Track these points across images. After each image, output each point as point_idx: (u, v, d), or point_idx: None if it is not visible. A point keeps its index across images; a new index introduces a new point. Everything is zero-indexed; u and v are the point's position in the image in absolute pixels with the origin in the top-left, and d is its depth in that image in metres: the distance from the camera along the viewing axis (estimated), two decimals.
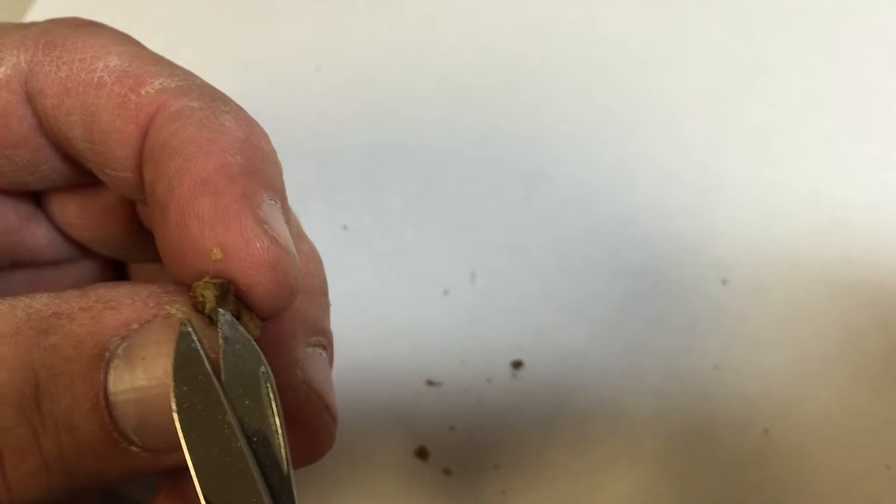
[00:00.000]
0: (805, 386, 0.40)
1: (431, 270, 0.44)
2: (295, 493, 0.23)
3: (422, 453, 0.41)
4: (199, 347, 0.22)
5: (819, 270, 0.43)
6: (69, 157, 0.28)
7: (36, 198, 0.31)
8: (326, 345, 0.28)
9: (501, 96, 0.49)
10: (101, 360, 0.22)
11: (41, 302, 0.22)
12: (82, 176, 0.29)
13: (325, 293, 0.29)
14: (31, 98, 0.26)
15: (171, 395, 0.22)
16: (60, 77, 0.25)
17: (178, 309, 0.23)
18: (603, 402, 0.41)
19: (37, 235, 0.31)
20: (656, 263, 0.43)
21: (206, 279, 0.23)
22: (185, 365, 0.22)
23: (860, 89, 0.48)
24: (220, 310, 0.23)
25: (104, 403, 0.22)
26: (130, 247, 0.32)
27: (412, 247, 0.45)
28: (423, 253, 0.45)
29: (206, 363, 0.22)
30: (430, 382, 0.42)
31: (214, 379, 0.22)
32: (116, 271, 0.35)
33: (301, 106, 0.49)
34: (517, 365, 0.42)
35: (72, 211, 0.31)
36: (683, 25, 0.51)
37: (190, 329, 0.22)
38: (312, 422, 0.26)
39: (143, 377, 0.22)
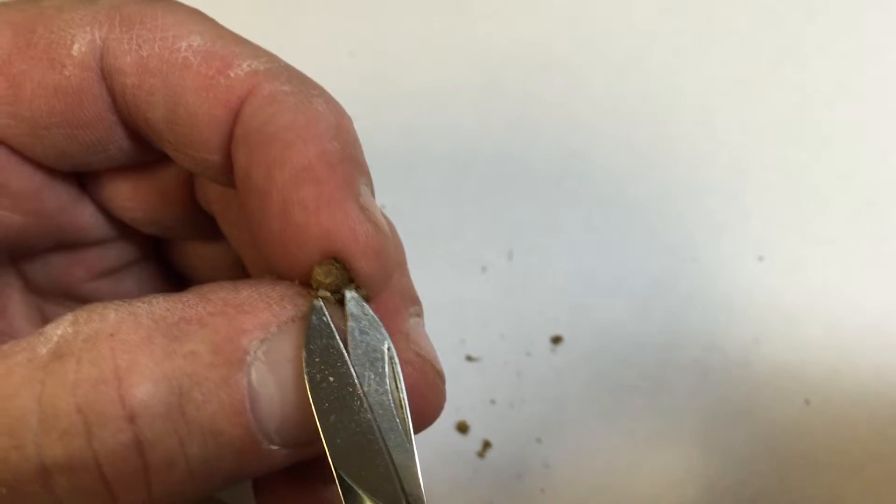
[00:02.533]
0: (844, 357, 0.40)
1: (468, 248, 0.45)
2: (418, 467, 0.23)
3: (462, 427, 0.41)
4: (330, 322, 0.23)
5: (854, 247, 0.43)
6: (138, 137, 0.27)
7: (80, 180, 0.31)
8: (420, 312, 0.28)
9: (535, 80, 0.49)
10: (243, 364, 0.22)
11: (162, 307, 0.22)
12: (148, 155, 0.28)
13: (406, 262, 0.30)
14: (107, 76, 0.25)
15: (303, 365, 0.22)
16: (141, 56, 0.25)
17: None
18: (643, 375, 0.41)
19: (84, 215, 0.31)
20: (692, 240, 0.44)
21: (323, 264, 0.23)
22: (317, 337, 0.23)
23: (887, 72, 0.49)
24: (347, 290, 0.23)
25: (249, 407, 0.22)
26: (182, 226, 0.32)
27: (449, 225, 0.45)
28: (460, 231, 0.45)
29: (337, 337, 0.23)
30: (469, 358, 0.42)
31: (345, 352, 0.23)
32: (156, 249, 0.35)
33: (335, 90, 0.49)
34: (556, 340, 0.42)
35: (125, 192, 0.31)
36: (713, 13, 0.51)
37: (321, 303, 0.23)
38: (428, 389, 0.26)
39: (289, 378, 0.22)
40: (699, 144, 0.47)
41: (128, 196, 0.31)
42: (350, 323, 0.23)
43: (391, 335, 0.25)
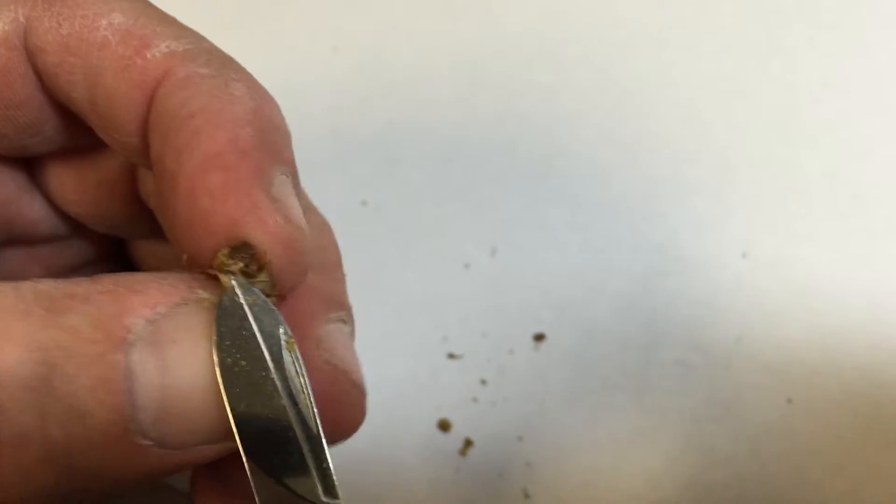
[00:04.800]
0: (827, 357, 0.40)
1: (452, 245, 0.44)
2: (328, 453, 0.22)
3: (444, 426, 0.41)
4: (244, 303, 0.22)
5: (839, 244, 0.43)
6: (72, 117, 0.27)
7: (30, 172, 0.30)
8: (347, 319, 0.27)
9: (519, 75, 0.49)
10: (123, 342, 0.20)
11: (48, 284, 0.21)
12: (86, 137, 0.28)
13: (339, 266, 0.28)
14: (31, 55, 0.25)
15: (213, 348, 0.21)
16: (62, 34, 0.24)
17: (211, 293, 0.22)
18: (626, 374, 0.41)
19: (34, 208, 0.30)
20: (676, 238, 0.44)
21: (227, 250, 0.22)
22: (229, 319, 0.21)
23: (873, 68, 0.48)
24: (236, 273, 0.22)
25: (124, 389, 0.20)
26: (129, 223, 0.31)
27: (432, 222, 0.45)
28: (443, 228, 0.45)
29: (251, 320, 0.22)
30: (451, 355, 0.42)
31: (259, 336, 0.22)
32: (114, 250, 0.34)
33: (319, 85, 0.49)
34: (539, 337, 0.42)
35: (69, 185, 0.30)
36: (699, 7, 0.51)
37: (235, 283, 0.22)
38: (340, 400, 0.25)
39: (172, 364, 0.21)
40: (684, 141, 0.46)
41: (72, 189, 0.30)
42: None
43: (301, 340, 0.24)
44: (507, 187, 0.46)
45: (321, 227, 0.29)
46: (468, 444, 0.40)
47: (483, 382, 0.41)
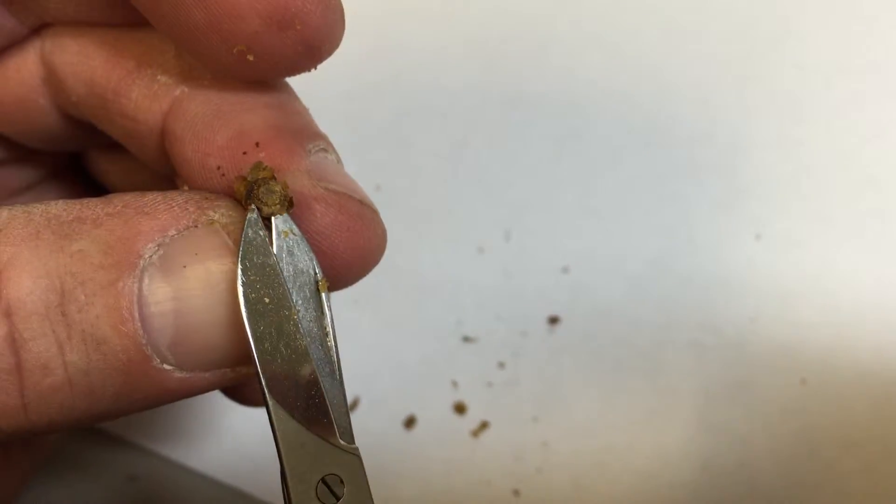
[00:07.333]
0: (841, 336, 0.40)
1: (465, 229, 0.44)
2: (346, 398, 0.23)
3: (460, 408, 0.41)
4: (266, 237, 0.22)
5: (852, 225, 0.43)
6: None
7: None
8: (327, 147, 0.26)
9: (532, 60, 0.49)
10: (134, 268, 0.20)
11: (58, 207, 0.21)
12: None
13: (296, 100, 0.27)
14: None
15: (238, 282, 0.21)
16: None
17: (222, 214, 0.22)
18: (640, 355, 0.41)
19: None
20: (689, 220, 0.44)
21: (242, 175, 0.22)
22: (253, 254, 0.21)
23: (887, 50, 0.48)
24: (274, 210, 0.22)
25: (137, 315, 0.20)
26: (51, 132, 0.30)
27: (446, 206, 0.45)
28: (457, 212, 0.45)
29: (274, 255, 0.22)
30: (466, 339, 0.42)
31: (281, 272, 0.22)
32: (70, 166, 0.33)
33: (332, 70, 0.49)
34: (553, 320, 0.42)
35: None
36: None
37: (256, 216, 0.22)
38: (355, 221, 0.24)
39: (185, 287, 0.21)
40: (697, 122, 0.46)
41: None
42: (276, 241, 0.22)
43: (291, 176, 0.23)
44: (520, 171, 0.46)
45: (284, 87, 0.28)
46: (483, 425, 0.41)
47: (498, 365, 0.42)
